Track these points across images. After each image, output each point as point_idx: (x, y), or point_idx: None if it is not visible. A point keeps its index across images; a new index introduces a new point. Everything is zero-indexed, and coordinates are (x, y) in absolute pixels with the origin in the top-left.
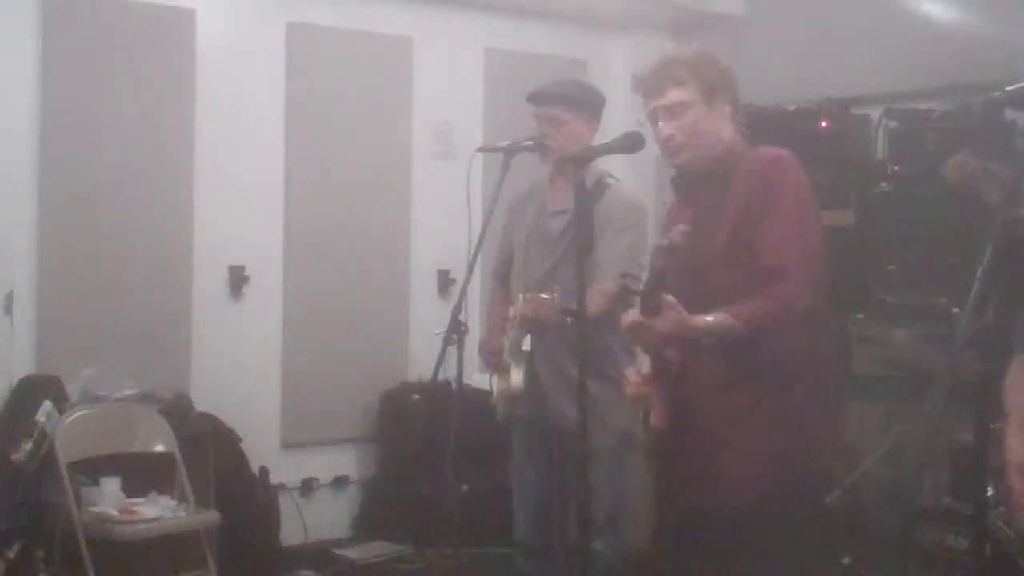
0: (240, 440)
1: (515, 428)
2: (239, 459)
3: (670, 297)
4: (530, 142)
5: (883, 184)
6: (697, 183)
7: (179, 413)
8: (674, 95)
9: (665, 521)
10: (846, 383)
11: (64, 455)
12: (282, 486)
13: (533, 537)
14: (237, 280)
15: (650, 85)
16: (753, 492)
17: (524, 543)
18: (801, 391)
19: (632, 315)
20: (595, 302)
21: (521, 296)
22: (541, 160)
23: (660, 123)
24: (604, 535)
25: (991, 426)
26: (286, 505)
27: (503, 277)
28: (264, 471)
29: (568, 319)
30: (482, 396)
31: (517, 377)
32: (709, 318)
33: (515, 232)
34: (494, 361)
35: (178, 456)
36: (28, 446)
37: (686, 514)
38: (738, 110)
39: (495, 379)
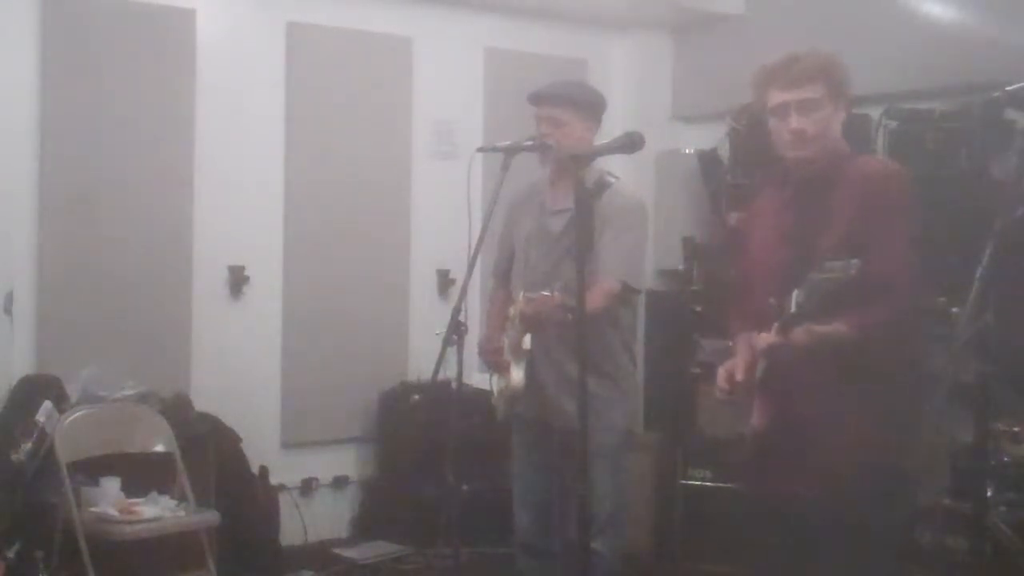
0: (240, 440)
1: (515, 427)
2: (239, 459)
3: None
4: (530, 142)
5: None
6: (802, 184)
7: (179, 413)
8: (808, 91)
9: (762, 521)
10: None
11: (64, 455)
12: (282, 486)
13: (533, 537)
14: (237, 280)
15: (785, 78)
16: (855, 488)
17: (524, 543)
18: (900, 387)
19: (767, 338)
20: (596, 300)
21: (522, 294)
22: (541, 160)
23: (792, 116)
24: (604, 535)
25: (991, 426)
26: (286, 505)
27: (503, 276)
28: (264, 471)
29: (568, 315)
30: (482, 396)
31: (518, 375)
32: (828, 328)
33: (515, 231)
34: (494, 360)
35: (178, 456)
36: (28, 446)
37: (788, 514)
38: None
39: (495, 378)
